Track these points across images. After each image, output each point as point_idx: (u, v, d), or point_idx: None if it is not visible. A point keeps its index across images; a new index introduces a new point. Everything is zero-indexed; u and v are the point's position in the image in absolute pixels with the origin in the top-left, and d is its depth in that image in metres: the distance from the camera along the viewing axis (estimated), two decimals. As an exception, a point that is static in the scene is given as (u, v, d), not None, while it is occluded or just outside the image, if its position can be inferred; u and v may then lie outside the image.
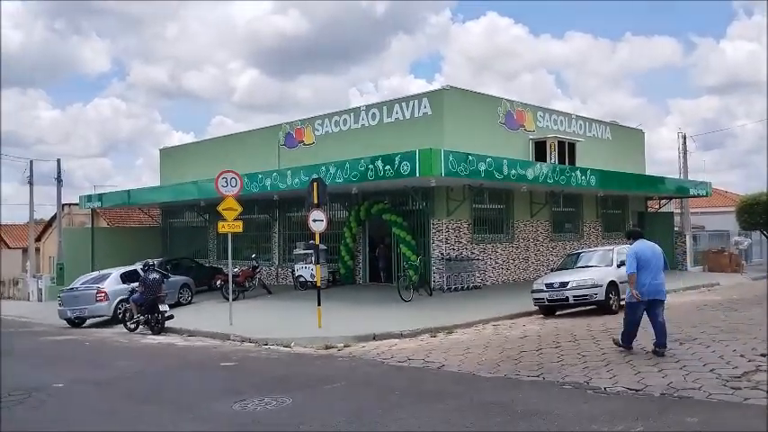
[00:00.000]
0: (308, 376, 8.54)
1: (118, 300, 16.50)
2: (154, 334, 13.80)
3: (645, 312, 8.70)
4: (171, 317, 14.03)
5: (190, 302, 18.62)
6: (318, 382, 8.05)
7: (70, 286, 18.37)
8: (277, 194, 21.06)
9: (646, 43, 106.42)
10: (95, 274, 18.34)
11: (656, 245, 9.12)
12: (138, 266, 17.78)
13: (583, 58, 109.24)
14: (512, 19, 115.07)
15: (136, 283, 15.44)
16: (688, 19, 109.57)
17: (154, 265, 15.38)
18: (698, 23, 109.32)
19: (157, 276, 14.45)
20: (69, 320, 17.01)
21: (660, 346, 8.50)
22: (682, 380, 7.04)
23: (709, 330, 10.20)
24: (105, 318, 16.77)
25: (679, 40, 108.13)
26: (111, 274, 17.51)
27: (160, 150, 30.63)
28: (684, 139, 28.30)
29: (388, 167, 16.00)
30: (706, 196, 26.73)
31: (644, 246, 8.85)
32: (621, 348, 8.87)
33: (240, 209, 14.21)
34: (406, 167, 15.59)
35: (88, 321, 17.05)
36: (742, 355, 8.12)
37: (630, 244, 9.12)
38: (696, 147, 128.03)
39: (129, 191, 26.37)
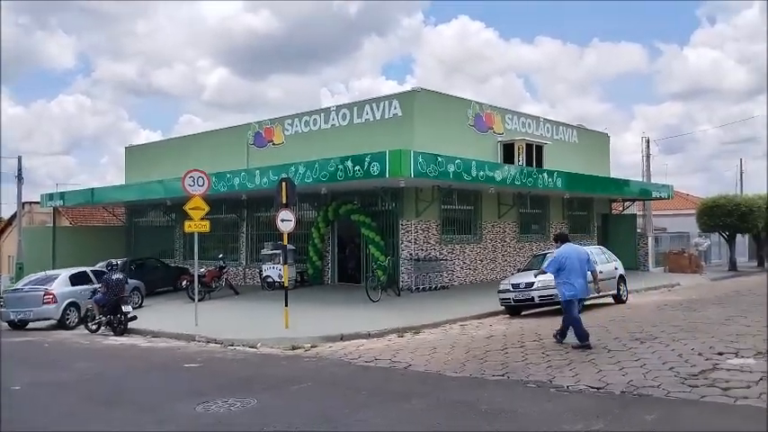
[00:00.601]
0: (273, 377, 8.48)
1: (66, 302, 15.64)
2: (116, 335, 13.52)
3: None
4: (134, 318, 13.77)
5: (140, 306, 17.62)
6: (284, 382, 8.00)
7: (14, 287, 17.57)
8: (245, 194, 20.87)
9: (613, 49, 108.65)
10: (42, 274, 17.25)
11: (582, 248, 10.09)
12: (89, 269, 17.23)
13: (552, 62, 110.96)
14: (483, 23, 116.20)
15: (88, 285, 15.07)
16: (654, 26, 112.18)
17: (117, 265, 15.07)
18: (663, 31, 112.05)
19: (120, 277, 14.18)
20: (11, 323, 15.89)
21: (561, 335, 9.63)
22: (642, 378, 7.20)
23: (669, 329, 10.45)
24: (51, 321, 15.87)
25: (645, 47, 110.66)
26: (59, 275, 16.55)
27: (126, 148, 30.06)
28: (648, 143, 28.99)
29: (357, 168, 16.00)
30: (668, 199, 27.42)
31: (570, 249, 9.63)
32: (581, 348, 9.08)
33: (207, 208, 14.03)
34: (375, 168, 15.61)
35: (36, 324, 16.03)
36: (700, 354, 8.34)
37: (558, 247, 9.82)
38: (659, 151, 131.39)
39: (92, 189, 25.81)
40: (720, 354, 8.30)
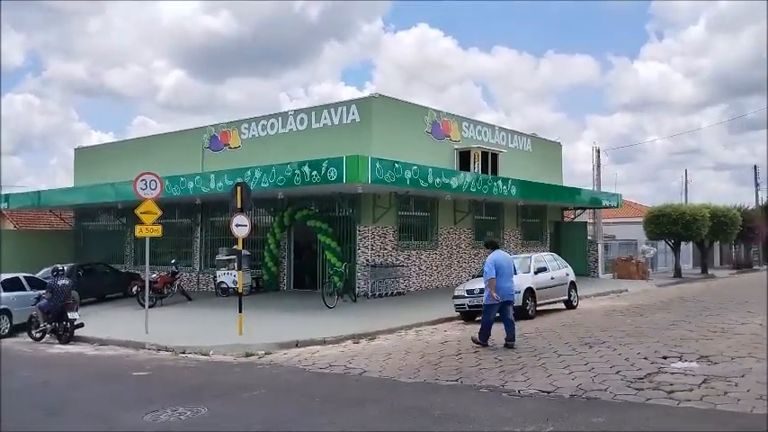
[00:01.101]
0: (225, 385, 8.34)
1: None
2: (62, 343, 13.05)
3: (498, 312, 10.15)
4: (81, 325, 13.32)
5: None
6: (236, 390, 7.88)
7: None
8: (200, 198, 20.51)
9: (567, 61, 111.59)
10: None
11: (509, 254, 10.87)
12: (22, 275, 16.41)
13: (508, 72, 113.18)
14: (441, 31, 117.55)
15: (21, 292, 14.43)
16: (606, 40, 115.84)
17: (63, 270, 14.53)
18: (614, 44, 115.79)
19: (66, 282, 13.69)
20: None
21: (510, 341, 9.98)
22: (590, 382, 7.39)
23: (617, 334, 10.77)
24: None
25: (597, 60, 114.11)
26: None
27: (75, 150, 29.15)
28: (598, 153, 29.93)
29: (314, 173, 15.95)
30: (617, 207, 28.29)
31: (500, 255, 10.42)
32: (478, 345, 9.95)
33: (159, 212, 13.72)
34: (333, 173, 15.59)
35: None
36: (645, 358, 8.61)
37: (489, 253, 10.50)
38: (610, 160, 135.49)
39: (39, 192, 24.92)
40: (665, 358, 8.60)
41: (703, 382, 7.14)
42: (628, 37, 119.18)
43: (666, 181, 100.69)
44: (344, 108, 20.04)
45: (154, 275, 18.18)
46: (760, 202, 46.37)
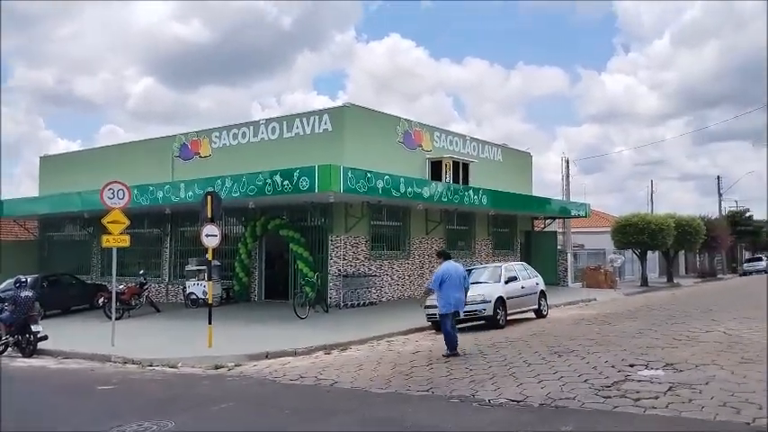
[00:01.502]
0: (193, 398, 8.21)
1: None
2: (25, 356, 12.68)
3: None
4: (45, 338, 12.95)
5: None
6: (205, 403, 7.75)
7: None
8: (169, 208, 20.24)
9: (537, 72, 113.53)
10: None
11: (460, 265, 10.97)
12: None
13: (479, 83, 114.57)
14: (413, 42, 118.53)
15: None
16: (575, 52, 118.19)
17: (26, 281, 14.15)
18: (583, 56, 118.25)
19: (30, 294, 13.32)
20: None
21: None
22: (559, 390, 7.47)
23: (585, 343, 10.91)
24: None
25: (566, 71, 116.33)
26: None
27: (41, 158, 28.48)
28: (567, 163, 30.41)
29: (286, 182, 15.88)
30: (585, 217, 28.77)
31: (451, 266, 10.55)
32: (450, 356, 9.98)
33: (127, 222, 13.49)
34: (305, 183, 15.55)
35: None
36: (613, 366, 8.74)
37: (440, 263, 10.68)
38: (578, 171, 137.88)
39: (2, 201, 24.27)
40: (632, 366, 8.73)
41: (669, 390, 7.26)
42: (596, 50, 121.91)
43: (633, 191, 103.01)
44: (317, 117, 20.03)
45: (121, 287, 17.85)
46: (723, 212, 47.75)
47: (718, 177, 50.32)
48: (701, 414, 6.30)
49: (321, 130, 19.80)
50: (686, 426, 6.02)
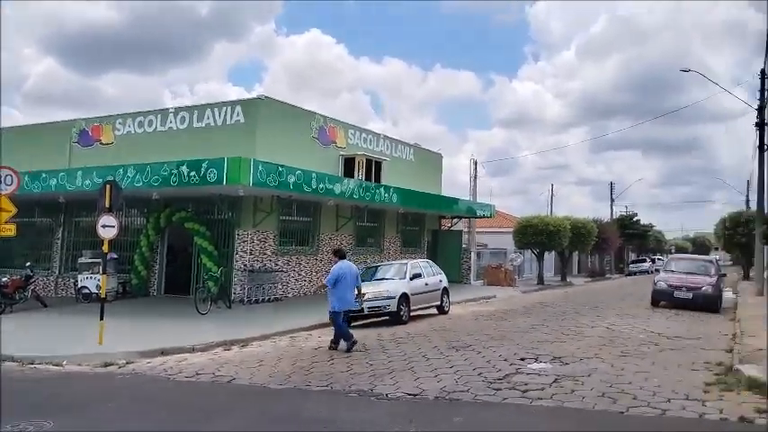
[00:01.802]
0: (77, 396, 7.78)
1: None
2: None
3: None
4: None
5: None
6: (89, 402, 7.39)
7: None
8: (63, 196, 19.07)
9: (452, 76, 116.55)
10: None
11: (354, 265, 11.20)
12: None
13: (397, 82, 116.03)
14: (334, 38, 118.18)
15: None
16: (489, 58, 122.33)
17: None
18: (496, 63, 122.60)
19: None
20: None
21: (334, 344, 10.54)
22: (454, 383, 7.76)
23: (482, 338, 11.38)
24: None
25: (480, 77, 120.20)
26: None
27: None
28: (475, 164, 31.42)
29: (193, 174, 15.40)
30: (490, 217, 29.86)
31: (345, 265, 10.81)
32: (349, 351, 10.20)
33: (14, 210, 12.52)
34: (213, 175, 15.13)
35: None
36: (506, 360, 9.18)
37: (335, 262, 10.92)
38: (486, 173, 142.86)
39: None
40: (523, 359, 9.22)
41: (554, 382, 7.74)
42: (508, 57, 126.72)
43: (535, 194, 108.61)
44: (229, 108, 19.53)
45: (5, 279, 16.66)
46: (614, 216, 51.21)
47: (611, 183, 54.14)
48: (581, 404, 6.76)
49: (233, 122, 19.33)
50: (567, 415, 6.44)
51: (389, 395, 7.31)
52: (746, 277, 32.56)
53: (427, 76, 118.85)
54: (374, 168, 23.51)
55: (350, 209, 22.02)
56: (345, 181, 19.56)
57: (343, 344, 10.48)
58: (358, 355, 9.93)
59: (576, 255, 42.01)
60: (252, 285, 17.84)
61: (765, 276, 22.92)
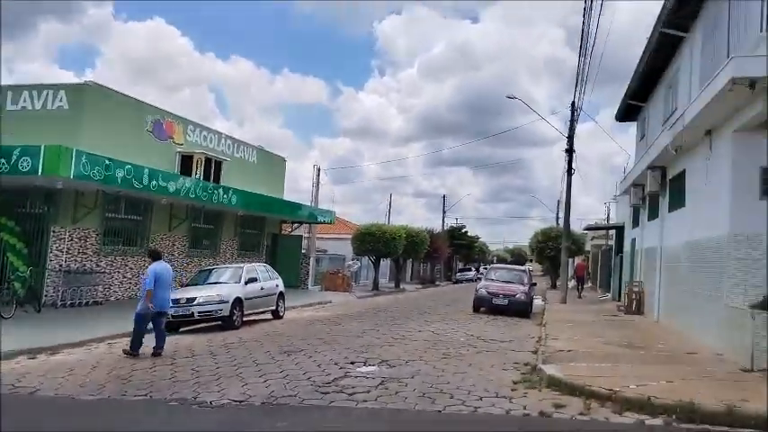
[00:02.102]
0: None
1: None
2: None
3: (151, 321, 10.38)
4: None
5: None
6: None
7: None
8: None
9: (301, 81, 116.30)
10: None
11: (168, 266, 11.11)
12: None
13: (245, 83, 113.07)
14: (179, 30, 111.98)
15: None
16: (338, 67, 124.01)
17: None
18: (345, 73, 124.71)
19: None
20: None
21: (159, 348, 10.18)
22: (282, 388, 7.71)
23: (314, 342, 11.48)
24: None
25: (328, 85, 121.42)
26: None
27: None
28: (319, 171, 31.72)
29: (2, 161, 13.76)
30: (330, 223, 30.29)
31: (161, 266, 10.56)
32: (130, 356, 9.95)
33: None
34: (26, 164, 13.65)
35: None
36: (336, 364, 9.34)
37: (151, 263, 10.69)
38: (330, 180, 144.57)
39: None
40: (353, 363, 9.43)
41: (380, 384, 8.02)
42: (356, 69, 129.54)
43: (376, 203, 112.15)
44: (51, 92, 17.72)
45: None
46: (445, 227, 54.62)
47: (444, 197, 57.93)
48: (403, 404, 7.07)
49: (55, 108, 17.60)
50: (389, 416, 6.70)
51: (214, 402, 7.06)
52: (554, 286, 36.51)
53: (275, 79, 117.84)
54: (214, 168, 22.77)
55: (185, 209, 21.03)
56: (181, 179, 18.65)
57: (148, 349, 10.17)
58: (183, 362, 9.48)
59: (409, 262, 44.04)
60: (67, 287, 16.27)
61: (570, 286, 25.85)
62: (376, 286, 31.17)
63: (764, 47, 8.98)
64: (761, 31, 9.23)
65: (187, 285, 15.11)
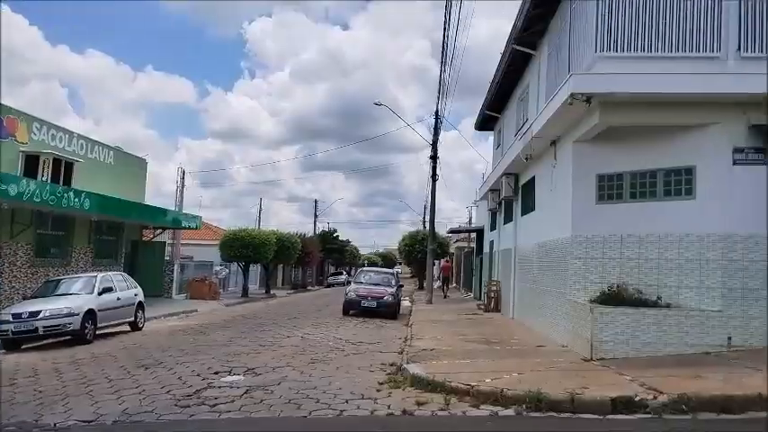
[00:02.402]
0: None
1: None
2: None
3: None
4: None
5: None
6: None
7: None
8: None
9: (165, 80, 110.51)
10: None
11: None
12: None
13: (102, 79, 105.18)
14: (27, 19, 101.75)
15: None
16: (206, 67, 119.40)
17: None
18: (213, 73, 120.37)
19: None
20: None
21: None
22: (138, 404, 7.28)
23: (176, 353, 10.95)
24: None
25: (196, 85, 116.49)
26: None
27: None
28: (183, 174, 30.37)
29: None
30: (197, 229, 29.06)
31: None
32: None
33: None
34: None
35: None
36: (198, 375, 8.98)
37: None
38: (197, 183, 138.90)
39: None
40: (216, 373, 9.12)
41: (245, 393, 7.83)
42: (225, 69, 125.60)
43: (246, 207, 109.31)
44: None
45: None
46: (317, 232, 54.65)
47: (316, 201, 57.94)
48: (268, 413, 6.96)
49: None
50: (253, 425, 6.57)
51: (58, 425, 6.51)
52: (422, 287, 37.87)
53: (137, 76, 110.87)
54: (64, 169, 20.94)
55: (30, 214, 19.11)
56: (24, 182, 16.92)
57: None
58: (24, 382, 8.63)
59: (281, 267, 43.45)
60: None
61: (436, 286, 26.95)
62: (245, 293, 30.39)
63: (599, 65, 10.02)
64: (596, 51, 10.26)
65: (32, 297, 13.76)
